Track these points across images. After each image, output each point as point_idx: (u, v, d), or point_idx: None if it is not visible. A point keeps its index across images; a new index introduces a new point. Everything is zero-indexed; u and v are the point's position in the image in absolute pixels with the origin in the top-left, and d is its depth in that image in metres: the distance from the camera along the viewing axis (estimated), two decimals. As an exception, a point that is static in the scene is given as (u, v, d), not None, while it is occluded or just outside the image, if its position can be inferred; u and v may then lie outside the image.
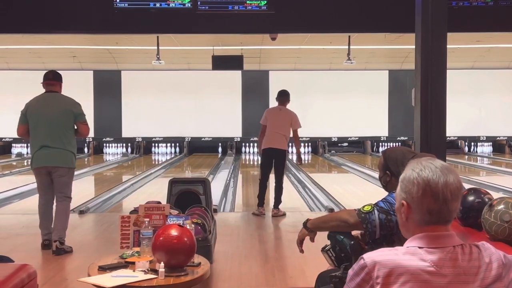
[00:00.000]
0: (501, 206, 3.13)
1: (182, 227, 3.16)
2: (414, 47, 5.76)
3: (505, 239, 3.08)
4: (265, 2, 6.91)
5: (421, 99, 5.16)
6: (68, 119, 6.13)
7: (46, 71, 6.44)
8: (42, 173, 6.03)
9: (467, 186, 4.49)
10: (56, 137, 5.99)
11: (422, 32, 5.25)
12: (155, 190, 11.32)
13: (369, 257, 1.73)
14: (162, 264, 3.01)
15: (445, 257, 1.70)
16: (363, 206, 2.85)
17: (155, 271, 3.04)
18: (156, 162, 19.06)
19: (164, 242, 3.04)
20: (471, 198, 3.52)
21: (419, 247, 1.73)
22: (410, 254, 1.71)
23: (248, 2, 6.93)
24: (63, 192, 6.03)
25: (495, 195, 4.23)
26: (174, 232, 3.07)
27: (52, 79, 6.27)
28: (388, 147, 21.73)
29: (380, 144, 21.90)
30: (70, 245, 6.04)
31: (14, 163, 18.56)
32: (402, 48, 17.60)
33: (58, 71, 6.55)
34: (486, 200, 3.44)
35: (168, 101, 20.86)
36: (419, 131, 5.17)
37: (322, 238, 3.12)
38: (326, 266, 3.61)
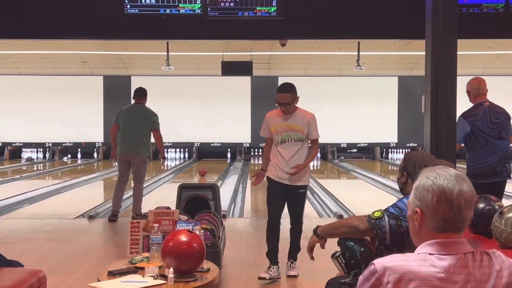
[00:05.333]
0: (511, 214, 3.12)
1: (191, 233, 3.16)
2: (423, 53, 5.75)
3: (516, 247, 3.07)
4: (275, 8, 6.92)
5: (431, 105, 5.15)
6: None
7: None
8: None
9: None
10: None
11: (433, 39, 5.24)
12: (164, 195, 11.34)
13: (380, 262, 1.73)
14: (171, 269, 3.01)
15: (456, 264, 1.70)
16: (373, 212, 2.85)
17: (164, 277, 3.04)
18: (165, 168, 19.09)
19: (174, 247, 3.04)
20: (481, 205, 3.51)
21: (430, 254, 1.73)
22: (421, 260, 1.71)
23: (258, 8, 6.94)
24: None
25: (506, 202, 4.22)
26: (183, 238, 3.07)
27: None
28: (397, 153, 21.73)
29: (390, 150, 21.86)
30: (79, 249, 6.08)
31: (24, 168, 18.64)
32: (412, 55, 17.58)
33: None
34: (497, 207, 3.43)
35: (177, 106, 20.91)
36: (429, 138, 5.15)
37: (332, 245, 3.12)
38: (336, 273, 3.60)
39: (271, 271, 5.17)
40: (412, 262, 1.71)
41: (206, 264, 3.28)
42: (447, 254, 1.72)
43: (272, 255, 5.27)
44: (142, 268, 3.21)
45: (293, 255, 5.41)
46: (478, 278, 1.70)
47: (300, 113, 5.36)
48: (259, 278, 5.10)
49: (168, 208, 4.05)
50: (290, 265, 5.37)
